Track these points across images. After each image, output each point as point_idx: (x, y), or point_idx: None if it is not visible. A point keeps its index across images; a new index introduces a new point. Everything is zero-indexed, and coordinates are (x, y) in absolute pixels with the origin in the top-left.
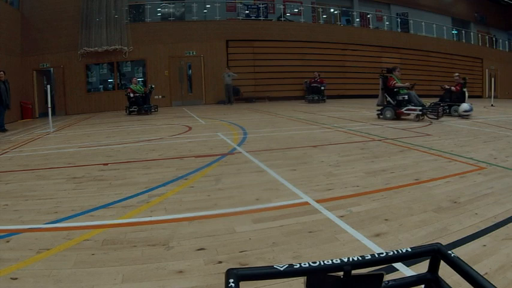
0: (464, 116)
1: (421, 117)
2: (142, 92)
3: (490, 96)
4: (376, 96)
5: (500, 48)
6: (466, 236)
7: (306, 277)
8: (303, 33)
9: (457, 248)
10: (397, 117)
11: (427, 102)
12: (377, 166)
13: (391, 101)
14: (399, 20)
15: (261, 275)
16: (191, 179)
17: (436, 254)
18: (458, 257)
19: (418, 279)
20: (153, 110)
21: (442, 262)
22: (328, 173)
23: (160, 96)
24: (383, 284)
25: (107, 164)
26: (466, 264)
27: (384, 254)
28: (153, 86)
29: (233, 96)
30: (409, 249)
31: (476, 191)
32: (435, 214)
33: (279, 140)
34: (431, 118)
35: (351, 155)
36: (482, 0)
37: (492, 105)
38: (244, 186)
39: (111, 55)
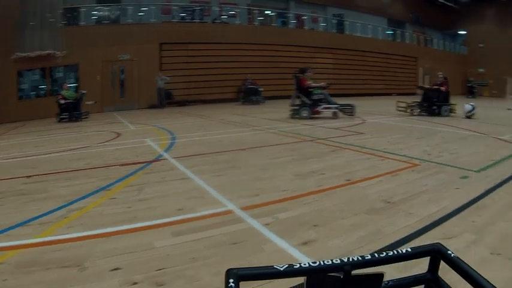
0: (469, 116)
1: (334, 117)
2: (73, 98)
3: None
4: None
5: (435, 47)
6: (401, 238)
7: (305, 277)
8: (238, 35)
9: None
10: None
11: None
12: (307, 168)
13: (306, 100)
14: (335, 21)
15: (261, 275)
16: (114, 189)
17: (436, 254)
18: (458, 257)
19: (418, 279)
20: (83, 117)
21: (442, 262)
22: (256, 177)
23: (92, 102)
24: (383, 284)
25: (30, 177)
26: (466, 264)
27: (384, 254)
28: (84, 92)
29: (165, 100)
30: (409, 249)
31: (410, 189)
32: (367, 216)
33: (208, 144)
34: (348, 115)
35: (281, 157)
36: (417, 1)
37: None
38: (167, 196)
39: (44, 60)
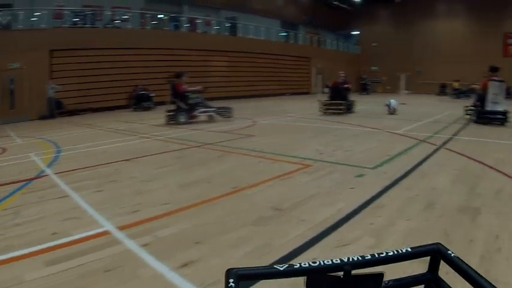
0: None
1: (212, 120)
2: None
3: (316, 92)
4: None
5: (328, 47)
6: (293, 249)
7: (305, 277)
8: (131, 39)
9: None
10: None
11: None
12: (192, 176)
13: (183, 105)
14: (228, 24)
15: (260, 274)
16: None
17: (436, 254)
18: (458, 257)
19: (418, 279)
20: None
21: (442, 262)
22: (137, 190)
23: None
24: (383, 284)
25: None
26: (466, 264)
27: (384, 254)
28: None
29: (56, 109)
30: (409, 249)
31: (301, 193)
32: (255, 227)
33: (93, 157)
34: (225, 117)
35: (166, 166)
36: (311, 4)
37: (319, 100)
38: (44, 218)
39: None
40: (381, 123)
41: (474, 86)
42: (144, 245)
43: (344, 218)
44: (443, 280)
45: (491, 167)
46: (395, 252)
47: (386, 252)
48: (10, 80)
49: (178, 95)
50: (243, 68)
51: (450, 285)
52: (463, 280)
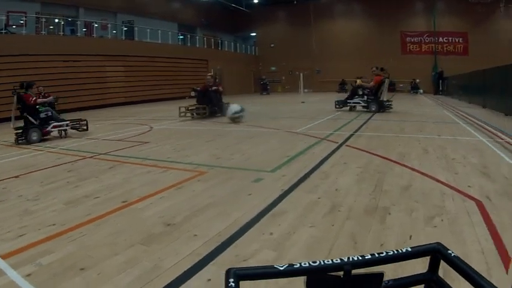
0: (236, 119)
1: (64, 134)
2: None
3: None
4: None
5: (226, 49)
6: (185, 270)
7: (305, 277)
8: (25, 45)
9: None
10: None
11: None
12: (81, 191)
13: (33, 121)
14: (124, 27)
15: (260, 274)
16: None
17: (436, 253)
18: (458, 257)
19: (418, 279)
20: None
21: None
22: (24, 211)
23: None
24: (383, 284)
25: None
26: (466, 264)
27: (384, 253)
28: None
29: None
30: (409, 249)
31: (195, 204)
32: (144, 247)
33: None
34: (80, 130)
35: (55, 182)
36: (208, 7)
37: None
38: None
39: None
40: (279, 122)
41: (361, 82)
42: (27, 275)
43: (241, 229)
44: (443, 280)
45: (394, 161)
46: (395, 252)
47: (386, 252)
48: None
49: (28, 109)
50: (141, 73)
51: (450, 285)
52: (463, 280)
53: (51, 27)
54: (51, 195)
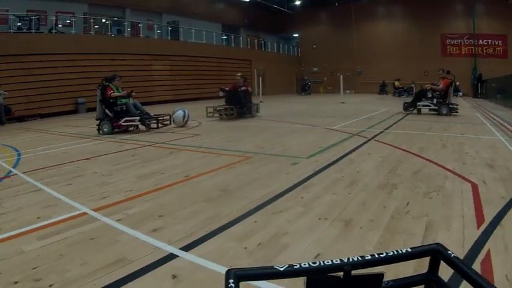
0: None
1: (136, 130)
2: None
3: (258, 94)
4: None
5: (269, 50)
6: (238, 216)
7: (305, 277)
8: (74, 45)
9: (231, 228)
10: (117, 130)
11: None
12: (148, 169)
13: (108, 113)
14: (170, 28)
15: (260, 275)
16: None
17: (436, 254)
18: (458, 257)
19: (418, 279)
20: None
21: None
22: (101, 182)
23: None
24: (383, 284)
25: None
26: (466, 264)
27: (384, 254)
28: None
29: (5, 116)
30: (409, 249)
31: (243, 179)
32: (206, 204)
33: (53, 158)
34: (151, 128)
35: (123, 163)
36: (251, 8)
37: (261, 101)
38: (24, 207)
39: None
40: (318, 120)
41: (430, 85)
42: (118, 220)
43: (279, 194)
44: (443, 280)
45: (413, 154)
46: (395, 253)
47: (386, 253)
48: None
49: (105, 102)
50: (186, 72)
51: (450, 285)
52: (463, 280)
53: (96, 26)
54: (123, 172)
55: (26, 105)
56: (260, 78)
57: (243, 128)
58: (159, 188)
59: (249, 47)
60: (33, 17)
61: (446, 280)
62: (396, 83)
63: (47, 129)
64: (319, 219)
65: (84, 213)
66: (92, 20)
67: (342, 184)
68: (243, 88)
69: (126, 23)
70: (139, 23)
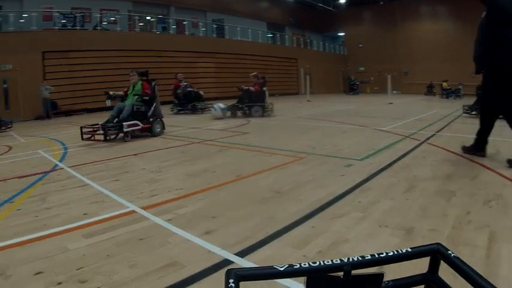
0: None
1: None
2: None
3: (305, 93)
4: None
5: (315, 49)
6: (294, 220)
7: (305, 277)
8: (120, 41)
9: (288, 233)
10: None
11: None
12: (198, 167)
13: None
14: (215, 26)
15: (260, 275)
16: (17, 201)
17: (436, 254)
18: (458, 257)
19: (418, 279)
20: (8, 127)
21: (442, 262)
22: (150, 179)
23: None
24: (383, 284)
25: None
26: (466, 264)
27: (384, 254)
28: None
29: (51, 110)
30: (409, 249)
31: (297, 180)
32: (260, 205)
33: (99, 152)
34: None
35: (172, 159)
36: (296, 6)
37: (308, 100)
38: (70, 203)
39: None
40: (367, 120)
41: None
42: (168, 220)
43: (336, 198)
44: (443, 280)
45: (468, 159)
46: (395, 253)
47: (387, 253)
48: (3, 81)
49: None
50: (231, 70)
51: (450, 285)
52: (463, 280)
53: (141, 24)
54: (172, 169)
55: (71, 100)
56: (307, 76)
57: (292, 127)
58: (210, 187)
59: (294, 45)
60: (78, 14)
61: (446, 280)
62: (444, 84)
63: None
64: (379, 226)
65: (133, 212)
66: (136, 18)
67: (399, 189)
68: (249, 87)
69: (170, 21)
70: (184, 21)
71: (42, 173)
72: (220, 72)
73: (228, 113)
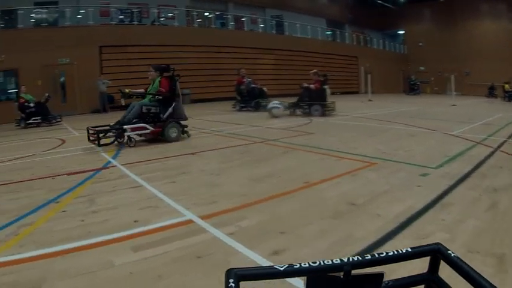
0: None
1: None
2: (33, 101)
3: (366, 92)
4: None
5: (375, 47)
6: (374, 241)
7: (305, 277)
8: (177, 37)
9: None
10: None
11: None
12: (262, 171)
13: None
14: (274, 22)
15: (261, 275)
16: (63, 201)
17: (436, 254)
18: (458, 257)
19: (418, 279)
20: (58, 120)
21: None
22: (210, 183)
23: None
24: (383, 284)
25: None
26: (466, 264)
27: (384, 254)
28: (50, 95)
29: (108, 104)
30: (409, 249)
31: (372, 190)
32: (333, 220)
33: (156, 149)
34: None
35: (232, 161)
36: (355, 3)
37: (370, 100)
38: (120, 206)
39: None
40: (434, 123)
41: None
42: (230, 234)
43: (416, 213)
44: (443, 280)
45: None
46: (395, 252)
47: (387, 253)
48: (61, 74)
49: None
50: (290, 66)
51: (450, 285)
52: (463, 280)
53: (199, 20)
54: (233, 172)
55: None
56: (368, 75)
57: (357, 128)
58: (276, 195)
59: (354, 43)
60: (135, 10)
61: (446, 280)
62: (506, 86)
63: None
64: (469, 252)
65: (190, 221)
66: (195, 13)
67: (482, 205)
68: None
69: (229, 17)
70: (242, 17)
71: (93, 170)
72: (279, 69)
73: (286, 112)
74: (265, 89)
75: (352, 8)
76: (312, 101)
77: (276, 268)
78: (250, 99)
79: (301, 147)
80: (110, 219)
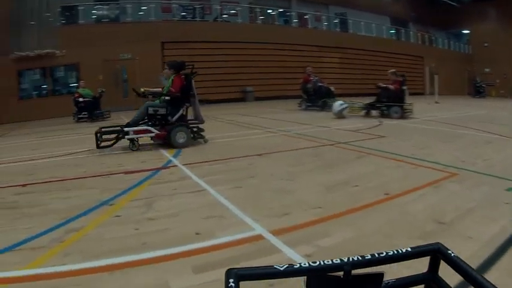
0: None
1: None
2: (91, 96)
3: (431, 93)
4: None
5: (440, 47)
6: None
7: (305, 277)
8: (240, 34)
9: None
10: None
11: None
12: (336, 177)
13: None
14: (338, 20)
15: (261, 275)
16: (117, 204)
17: (436, 253)
18: (458, 257)
19: (418, 279)
20: (105, 116)
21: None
22: (280, 189)
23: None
24: (383, 284)
25: (25, 185)
26: (466, 264)
27: (384, 254)
28: (103, 90)
29: None
30: (409, 249)
31: (458, 205)
32: (423, 242)
33: (220, 149)
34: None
35: (303, 164)
36: (420, 1)
37: (436, 102)
38: (180, 214)
39: (44, 59)
40: (507, 129)
41: None
42: (307, 256)
43: (510, 238)
44: (443, 280)
45: None
46: (396, 252)
47: (386, 252)
48: (123, 69)
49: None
50: (356, 65)
51: (450, 285)
52: (463, 280)
53: (262, 17)
54: (305, 177)
55: None
56: (435, 76)
57: (429, 132)
58: (356, 208)
59: (419, 42)
60: (197, 6)
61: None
62: None
63: (212, 116)
64: None
65: (260, 237)
66: (258, 10)
67: None
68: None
69: (292, 14)
70: (306, 14)
71: (152, 169)
72: (344, 68)
73: (346, 112)
74: (332, 88)
75: (415, 6)
76: (390, 102)
77: (276, 268)
78: (316, 98)
79: (374, 152)
80: (168, 230)
